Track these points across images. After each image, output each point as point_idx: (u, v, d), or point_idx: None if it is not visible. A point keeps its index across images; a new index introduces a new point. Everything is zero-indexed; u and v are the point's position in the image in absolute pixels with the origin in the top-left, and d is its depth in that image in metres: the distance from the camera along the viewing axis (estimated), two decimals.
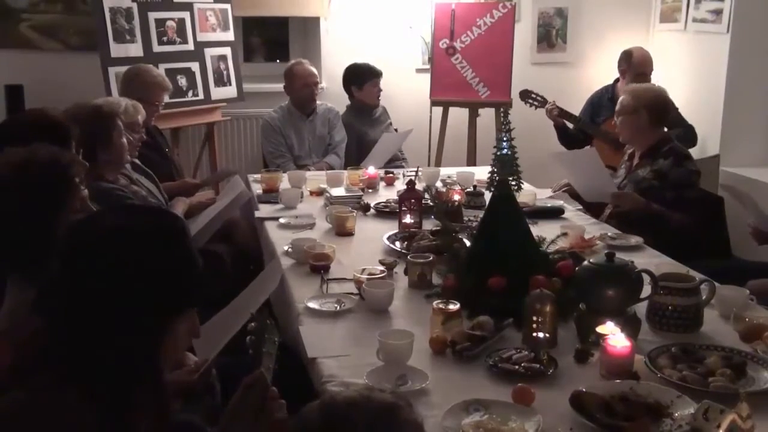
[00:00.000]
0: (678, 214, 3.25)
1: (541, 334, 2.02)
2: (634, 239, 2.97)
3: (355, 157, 4.50)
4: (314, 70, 4.67)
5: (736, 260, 3.67)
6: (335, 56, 5.22)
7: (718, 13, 4.85)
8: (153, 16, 4.56)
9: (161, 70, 4.24)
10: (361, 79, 4.76)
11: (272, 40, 5.88)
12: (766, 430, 1.57)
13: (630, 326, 2.02)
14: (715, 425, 1.47)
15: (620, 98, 3.57)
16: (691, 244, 3.07)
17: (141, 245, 1.32)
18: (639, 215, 3.24)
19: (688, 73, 5.10)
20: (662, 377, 1.83)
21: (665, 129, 3.59)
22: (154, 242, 1.33)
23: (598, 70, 5.40)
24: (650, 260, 2.69)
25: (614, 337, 1.88)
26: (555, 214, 3.34)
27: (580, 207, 3.54)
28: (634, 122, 3.46)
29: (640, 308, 2.17)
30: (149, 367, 1.34)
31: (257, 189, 3.77)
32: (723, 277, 2.41)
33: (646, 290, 2.14)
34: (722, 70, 4.80)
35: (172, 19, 4.65)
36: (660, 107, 3.47)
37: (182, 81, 4.68)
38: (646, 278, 2.13)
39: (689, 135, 4.64)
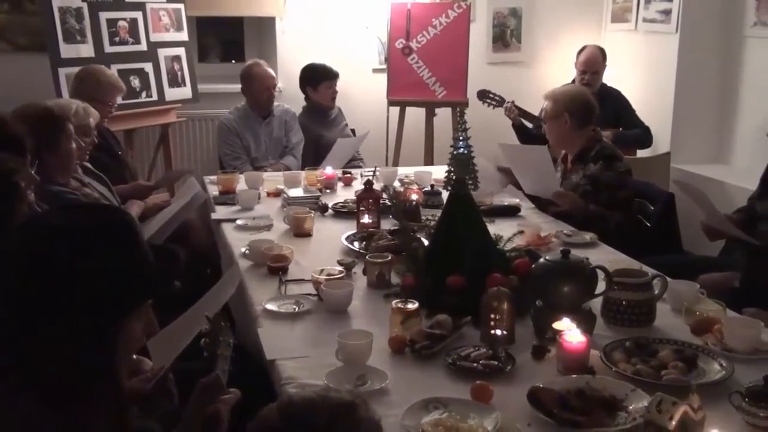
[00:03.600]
0: (617, 214, 3.31)
1: (498, 332, 2.04)
2: (589, 236, 3.01)
3: (312, 158, 4.49)
4: (272, 72, 4.64)
5: (687, 255, 3.75)
6: (291, 56, 5.20)
7: (666, 13, 4.95)
8: (104, 16, 4.49)
9: (113, 71, 4.18)
10: (316, 80, 4.75)
11: (227, 40, 5.83)
12: (716, 420, 1.60)
13: (585, 322, 2.05)
14: (668, 417, 1.50)
15: (544, 104, 3.61)
16: (630, 239, 3.12)
17: (88, 242, 1.30)
18: (579, 216, 3.29)
19: (640, 72, 5.20)
20: (617, 371, 1.87)
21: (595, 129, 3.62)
22: (101, 238, 1.31)
23: (553, 69, 5.47)
24: (604, 256, 2.73)
25: (570, 332, 1.90)
26: (511, 212, 3.38)
27: (533, 206, 3.57)
28: (558, 127, 3.50)
29: (595, 304, 2.20)
30: (105, 368, 1.32)
31: (213, 191, 3.74)
32: (675, 272, 2.47)
33: (601, 286, 2.17)
34: (672, 69, 4.90)
35: (124, 19, 4.58)
36: (581, 108, 3.49)
37: (135, 82, 4.61)
38: (601, 274, 2.16)
39: (645, 136, 4.73)
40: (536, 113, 4.80)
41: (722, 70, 4.85)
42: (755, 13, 4.55)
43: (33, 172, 2.29)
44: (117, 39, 4.55)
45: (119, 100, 3.96)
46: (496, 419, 1.64)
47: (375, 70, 5.43)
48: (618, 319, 2.19)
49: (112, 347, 1.32)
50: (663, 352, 1.95)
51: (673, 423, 1.48)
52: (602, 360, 1.92)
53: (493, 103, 4.74)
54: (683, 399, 1.53)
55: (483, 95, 4.75)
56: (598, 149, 3.44)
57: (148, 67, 4.68)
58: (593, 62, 4.75)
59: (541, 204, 3.51)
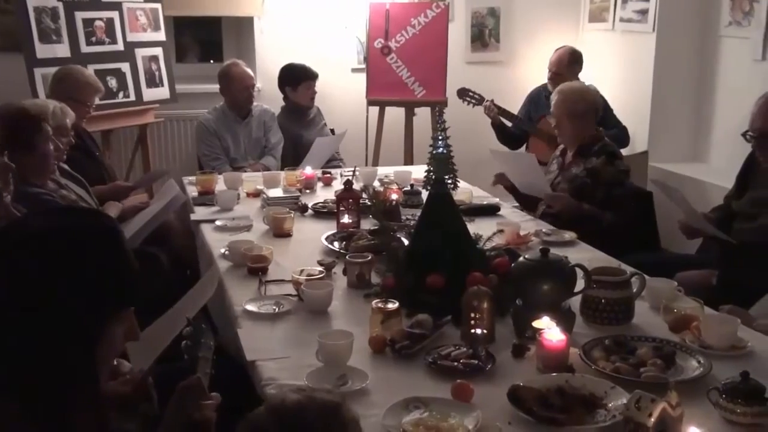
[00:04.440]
0: (608, 213, 3.33)
1: (478, 331, 2.05)
2: (568, 235, 3.03)
3: (291, 158, 4.48)
4: (251, 71, 4.62)
5: (664, 253, 3.79)
6: (270, 56, 5.18)
7: (643, 12, 5.00)
8: (80, 15, 4.45)
9: (90, 71, 4.13)
10: (295, 80, 4.73)
11: (205, 40, 5.80)
12: (694, 417, 1.62)
13: (565, 320, 2.06)
14: (647, 414, 1.51)
15: (554, 99, 3.62)
16: (622, 239, 3.14)
17: (71, 247, 1.28)
18: (570, 215, 3.31)
19: (617, 71, 5.24)
20: (596, 369, 1.88)
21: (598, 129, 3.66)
22: (85, 244, 1.30)
23: (531, 69, 5.49)
24: (583, 255, 2.75)
25: (550, 331, 1.91)
26: (491, 211, 3.39)
27: (516, 205, 3.59)
28: (581, 125, 3.51)
29: (575, 302, 2.21)
30: (86, 372, 1.31)
31: (192, 191, 3.71)
32: (653, 270, 2.48)
33: (580, 284, 2.18)
34: (649, 68, 4.94)
35: (101, 19, 4.54)
36: (595, 107, 3.55)
37: (112, 82, 4.58)
38: (580, 273, 2.17)
39: (623, 136, 4.77)
40: (515, 112, 4.83)
41: (698, 69, 4.90)
42: (730, 12, 4.59)
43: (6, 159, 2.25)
44: (93, 39, 4.51)
45: (97, 101, 3.92)
46: (476, 418, 1.65)
47: (354, 70, 5.42)
48: (597, 317, 2.20)
49: (93, 352, 1.31)
50: (642, 350, 1.96)
51: (652, 420, 1.49)
52: (582, 358, 1.93)
53: (473, 101, 4.77)
54: (662, 396, 1.54)
55: (463, 93, 4.78)
56: (602, 145, 3.49)
57: (125, 67, 4.64)
58: (555, 63, 4.78)
59: (534, 202, 3.54)
